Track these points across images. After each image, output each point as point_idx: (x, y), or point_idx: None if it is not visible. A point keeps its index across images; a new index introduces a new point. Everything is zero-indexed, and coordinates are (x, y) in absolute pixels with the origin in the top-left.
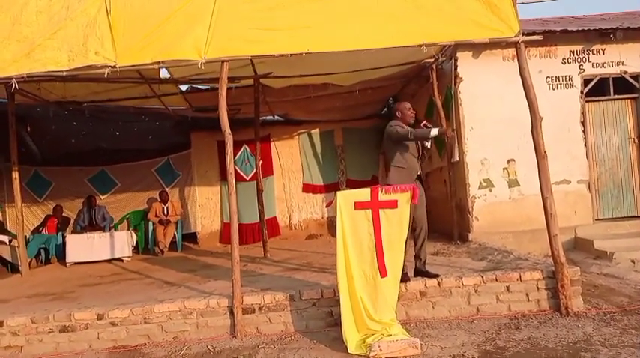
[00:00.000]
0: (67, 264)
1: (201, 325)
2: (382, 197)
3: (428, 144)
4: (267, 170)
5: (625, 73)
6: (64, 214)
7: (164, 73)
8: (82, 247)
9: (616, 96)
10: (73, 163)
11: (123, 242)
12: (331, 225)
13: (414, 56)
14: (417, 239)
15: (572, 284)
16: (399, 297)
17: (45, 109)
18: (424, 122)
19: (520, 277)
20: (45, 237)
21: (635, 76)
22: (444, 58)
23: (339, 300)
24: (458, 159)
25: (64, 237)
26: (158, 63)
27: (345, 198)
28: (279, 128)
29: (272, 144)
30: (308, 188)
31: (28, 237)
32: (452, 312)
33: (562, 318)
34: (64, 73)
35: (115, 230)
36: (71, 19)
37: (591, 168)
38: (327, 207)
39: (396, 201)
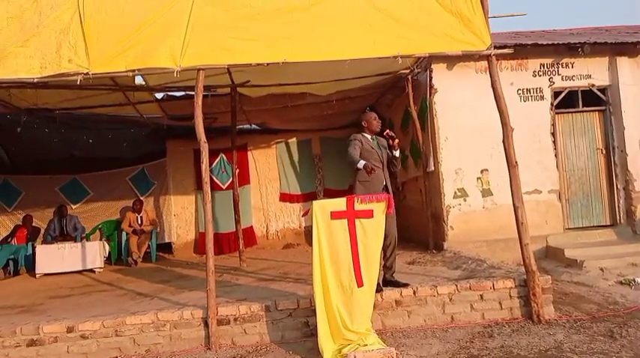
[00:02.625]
0: (37, 275)
1: (174, 337)
2: (358, 206)
3: (396, 153)
4: (244, 179)
5: (593, 86)
6: (33, 224)
7: (139, 81)
8: (52, 258)
9: (584, 109)
10: (44, 171)
11: (95, 252)
12: (308, 234)
13: (391, 67)
14: (386, 249)
15: (543, 293)
16: (374, 307)
17: (15, 116)
18: (387, 131)
19: (493, 285)
20: (14, 248)
21: (602, 89)
22: (420, 70)
23: (315, 310)
24: (433, 168)
25: (33, 248)
26: (133, 71)
27: (321, 207)
28: (257, 137)
29: (249, 152)
30: (285, 197)
31: None
32: (427, 321)
33: (534, 326)
34: (35, 80)
35: (87, 240)
36: (44, 26)
37: (561, 178)
38: (303, 216)
39: (372, 210)
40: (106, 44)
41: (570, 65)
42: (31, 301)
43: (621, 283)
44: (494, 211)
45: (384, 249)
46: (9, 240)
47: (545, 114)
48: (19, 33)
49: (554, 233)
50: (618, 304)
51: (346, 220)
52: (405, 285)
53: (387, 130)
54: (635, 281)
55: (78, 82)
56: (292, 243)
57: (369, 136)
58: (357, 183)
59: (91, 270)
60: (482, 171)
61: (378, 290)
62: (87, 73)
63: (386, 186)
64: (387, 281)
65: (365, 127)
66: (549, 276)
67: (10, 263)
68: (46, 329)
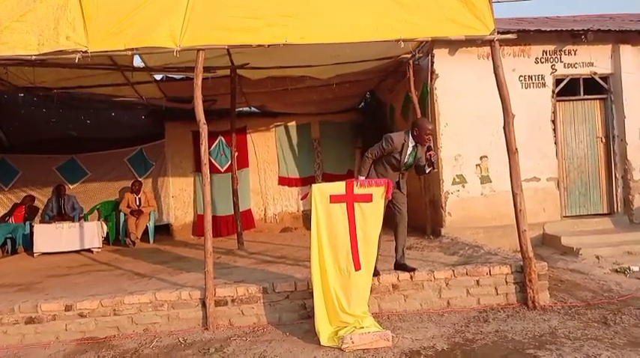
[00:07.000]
0: (35, 255)
1: (172, 317)
2: (357, 191)
3: (427, 170)
4: (243, 162)
5: (595, 74)
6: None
7: (138, 61)
8: (50, 237)
9: (586, 97)
10: (42, 151)
11: (93, 232)
12: (306, 218)
13: (392, 51)
14: (397, 234)
15: (539, 279)
16: (371, 290)
17: (13, 95)
18: (431, 153)
19: (490, 271)
20: (11, 227)
21: (604, 78)
22: (421, 54)
23: (312, 293)
24: None
25: (31, 227)
26: (131, 50)
27: (321, 191)
28: (256, 120)
29: (248, 135)
30: (284, 181)
31: None
32: (423, 305)
33: (529, 312)
34: (33, 58)
35: (85, 220)
36: (41, 0)
37: (560, 166)
38: (302, 199)
39: (371, 194)
40: (105, 22)
41: (573, 52)
42: (29, 280)
43: (616, 271)
44: (493, 198)
45: (396, 234)
46: (7, 218)
47: (546, 101)
48: (15, 7)
49: (552, 220)
50: (613, 292)
51: (345, 204)
52: (414, 270)
53: (432, 152)
54: (630, 270)
55: (76, 61)
56: (290, 226)
57: (411, 142)
58: (376, 173)
59: (89, 250)
60: (481, 158)
61: (376, 273)
62: (85, 51)
63: (398, 182)
64: (398, 265)
65: (415, 136)
66: (545, 263)
67: (8, 241)
68: (44, 307)
